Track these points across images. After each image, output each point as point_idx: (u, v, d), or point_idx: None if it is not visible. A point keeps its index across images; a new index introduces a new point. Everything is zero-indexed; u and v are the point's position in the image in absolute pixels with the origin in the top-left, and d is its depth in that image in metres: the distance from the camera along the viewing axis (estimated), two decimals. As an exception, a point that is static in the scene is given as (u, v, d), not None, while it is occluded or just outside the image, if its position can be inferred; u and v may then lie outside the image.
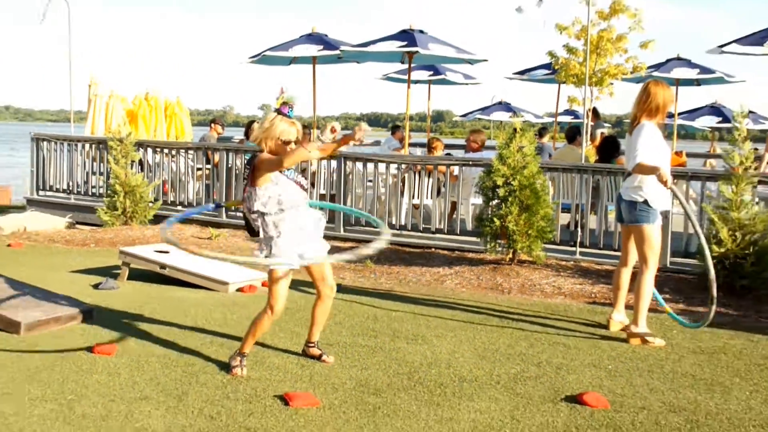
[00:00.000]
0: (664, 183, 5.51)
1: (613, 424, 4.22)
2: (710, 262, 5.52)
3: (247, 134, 12.74)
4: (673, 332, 6.16)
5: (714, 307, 5.52)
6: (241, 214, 5.69)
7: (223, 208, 10.91)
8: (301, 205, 4.79)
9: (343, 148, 11.68)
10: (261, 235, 4.76)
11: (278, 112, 4.75)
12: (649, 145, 5.65)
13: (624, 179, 6.05)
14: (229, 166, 10.97)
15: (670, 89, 5.90)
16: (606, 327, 6.18)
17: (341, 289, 7.44)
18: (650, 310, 5.99)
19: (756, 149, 8.83)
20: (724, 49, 10.55)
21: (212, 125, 13.99)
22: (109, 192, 11.02)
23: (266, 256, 4.74)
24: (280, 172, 4.73)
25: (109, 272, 7.89)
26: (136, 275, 7.69)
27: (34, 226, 10.99)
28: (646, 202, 5.74)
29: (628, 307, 6.17)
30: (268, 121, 4.75)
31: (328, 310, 5.14)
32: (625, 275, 6.13)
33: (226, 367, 4.92)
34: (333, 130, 12.33)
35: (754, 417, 4.40)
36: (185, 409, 4.27)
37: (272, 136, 4.70)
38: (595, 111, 12.93)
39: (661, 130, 5.88)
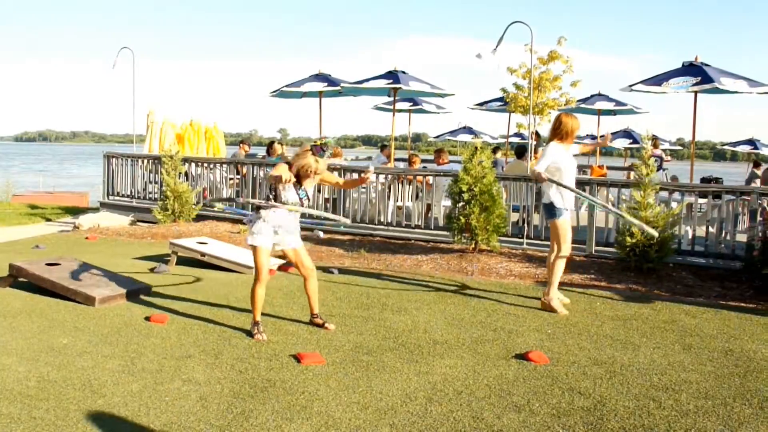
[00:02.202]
0: (541, 180, 5.65)
1: (551, 375, 4.22)
2: (633, 220, 5.79)
3: (268, 151, 12.72)
4: (597, 304, 6.16)
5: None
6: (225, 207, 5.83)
7: (250, 209, 10.84)
8: (292, 210, 4.83)
9: (343, 161, 11.67)
10: (258, 209, 4.83)
11: (314, 146, 4.76)
12: (548, 160, 5.74)
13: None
14: (254, 176, 10.92)
15: (576, 119, 5.95)
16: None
17: (340, 271, 7.43)
18: (578, 287, 6.00)
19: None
20: (633, 87, 10.59)
21: (241, 145, 13.97)
22: (162, 197, 10.95)
23: (249, 233, 4.86)
24: (295, 186, 4.80)
25: (161, 259, 7.83)
26: (182, 261, 7.64)
27: (105, 223, 10.90)
28: (552, 203, 5.79)
29: (562, 283, 6.19)
30: (302, 150, 4.80)
31: (315, 286, 5.13)
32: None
33: (251, 333, 4.90)
34: (335, 153, 12.17)
35: (656, 368, 4.42)
36: (221, 365, 4.24)
37: (300, 162, 4.75)
38: (537, 134, 12.94)
39: (569, 149, 5.92)
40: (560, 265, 5.90)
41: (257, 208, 4.86)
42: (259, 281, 4.84)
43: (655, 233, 5.81)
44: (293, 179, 4.59)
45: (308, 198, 4.93)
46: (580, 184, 8.80)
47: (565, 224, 5.84)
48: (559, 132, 5.86)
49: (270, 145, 12.97)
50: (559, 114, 6.00)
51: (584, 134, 21.45)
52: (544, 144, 6.52)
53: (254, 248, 4.83)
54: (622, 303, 6.24)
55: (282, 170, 4.69)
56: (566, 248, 5.86)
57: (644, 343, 4.99)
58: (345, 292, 6.41)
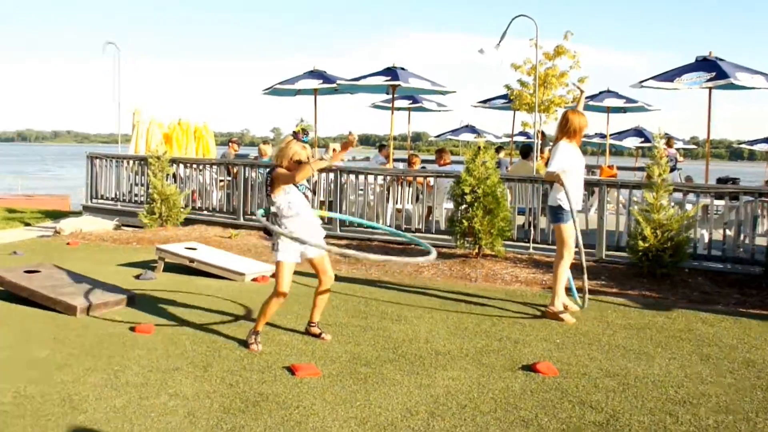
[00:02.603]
0: (560, 183, 5.65)
1: (560, 388, 4.18)
2: (583, 258, 5.83)
3: (260, 150, 12.69)
4: (608, 312, 6.13)
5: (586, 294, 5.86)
6: (254, 217, 5.67)
7: (242, 213, 10.80)
8: (305, 211, 4.77)
9: (339, 163, 11.63)
10: (273, 232, 4.75)
11: (294, 136, 4.71)
12: (561, 160, 5.72)
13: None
14: (246, 177, 10.88)
15: (584, 116, 5.95)
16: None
17: (337, 278, 7.38)
18: (588, 294, 5.97)
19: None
20: (644, 84, 10.58)
21: (230, 144, 13.95)
22: (148, 200, 10.90)
23: (273, 250, 4.75)
24: (295, 185, 4.71)
25: (148, 265, 7.79)
26: (170, 268, 7.60)
27: (88, 228, 10.86)
28: (559, 206, 5.78)
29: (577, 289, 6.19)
30: (284, 143, 4.72)
31: (327, 296, 5.11)
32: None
33: (243, 343, 4.86)
34: (335, 152, 12.17)
35: (672, 379, 4.38)
36: (210, 378, 4.20)
37: (287, 155, 4.68)
38: (542, 132, 12.93)
39: (578, 148, 5.93)
40: (564, 272, 5.87)
41: (273, 222, 4.75)
42: (278, 296, 4.77)
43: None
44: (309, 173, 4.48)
45: (309, 188, 4.90)
46: (589, 185, 8.78)
47: (570, 228, 5.82)
48: (567, 130, 5.84)
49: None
50: (566, 111, 5.99)
51: (593, 132, 21.47)
52: (551, 143, 6.51)
53: (279, 263, 4.74)
54: (635, 310, 6.20)
55: (284, 170, 4.65)
56: (569, 254, 5.84)
57: (659, 353, 4.96)
58: (341, 300, 6.36)
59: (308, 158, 4.71)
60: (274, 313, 4.93)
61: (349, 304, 6.23)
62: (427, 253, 4.72)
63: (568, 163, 5.75)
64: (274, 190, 4.69)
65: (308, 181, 9.49)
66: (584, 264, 5.79)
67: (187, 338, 5.01)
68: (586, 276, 5.84)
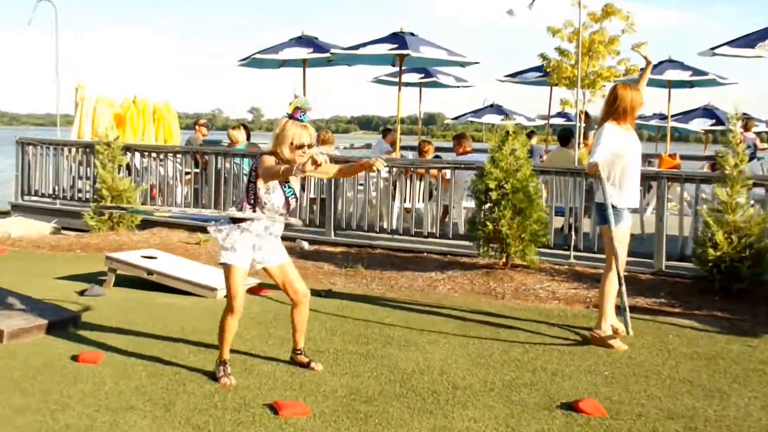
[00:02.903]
0: (598, 177, 5.64)
1: (610, 432, 4.17)
2: (620, 270, 5.77)
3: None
4: (670, 337, 6.11)
5: (627, 313, 5.82)
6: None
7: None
8: (278, 219, 4.81)
9: (335, 152, 11.63)
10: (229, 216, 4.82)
11: (290, 117, 4.71)
12: (605, 148, 5.71)
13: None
14: (218, 169, 10.89)
15: (639, 91, 5.93)
16: None
17: (332, 294, 7.39)
18: (644, 314, 5.96)
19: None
20: (716, 51, 10.56)
21: (197, 127, 13.94)
22: (95, 197, 10.94)
23: (220, 247, 4.79)
24: (281, 183, 4.71)
25: (95, 278, 7.80)
26: (123, 281, 7.61)
27: (18, 232, 10.88)
28: (609, 204, 5.79)
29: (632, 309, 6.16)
30: (279, 127, 4.73)
31: (305, 316, 5.12)
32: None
33: (214, 375, 4.86)
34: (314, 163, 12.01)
35: (753, 424, 4.36)
36: (172, 419, 4.20)
37: (285, 141, 4.67)
38: (586, 113, 12.91)
39: (629, 132, 5.90)
40: (614, 286, 5.86)
41: (243, 202, 4.82)
42: (232, 311, 4.80)
43: None
44: (302, 170, 4.46)
45: (296, 197, 4.90)
46: (645, 179, 8.76)
47: (622, 232, 5.80)
48: (615, 109, 5.83)
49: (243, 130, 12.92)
50: (616, 85, 5.98)
51: (650, 113, 21.44)
52: (596, 127, 6.50)
53: (227, 268, 4.77)
54: (704, 336, 6.19)
55: (271, 161, 4.66)
56: (619, 264, 5.82)
57: (735, 390, 4.94)
58: (337, 322, 6.36)
59: (313, 142, 4.72)
60: (234, 332, 4.91)
61: (345, 327, 6.23)
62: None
63: (616, 150, 5.73)
64: (258, 182, 4.73)
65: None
66: (620, 274, 5.72)
67: (144, 369, 5.01)
68: (624, 288, 5.79)
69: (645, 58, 6.85)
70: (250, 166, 4.89)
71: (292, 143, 4.66)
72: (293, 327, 5.14)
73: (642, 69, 7.05)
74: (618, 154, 5.77)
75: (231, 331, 4.86)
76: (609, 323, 5.89)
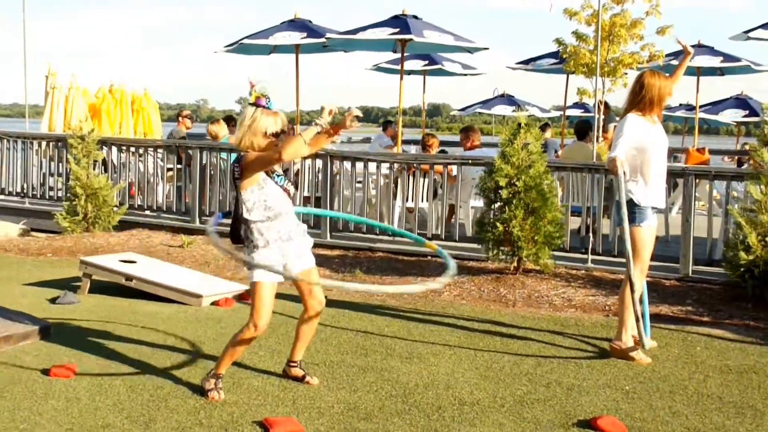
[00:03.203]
0: (615, 173, 5.62)
1: (631, 452, 4.18)
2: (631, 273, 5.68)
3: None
4: (697, 349, 6.13)
5: (641, 324, 5.70)
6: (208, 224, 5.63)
7: (197, 214, 10.84)
8: (287, 212, 4.78)
9: (331, 146, 11.64)
10: (245, 242, 4.78)
11: (252, 105, 4.73)
12: (628, 142, 5.71)
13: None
14: (203, 165, 10.91)
15: (668, 80, 5.92)
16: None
17: (328, 301, 7.39)
18: (669, 323, 5.97)
19: None
20: (750, 35, 10.58)
21: (180, 119, 13.94)
22: (68, 195, 10.93)
23: (246, 265, 4.74)
24: (268, 175, 4.71)
25: (68, 285, 7.81)
26: (99, 288, 7.62)
27: (-16, 234, 10.90)
28: (631, 201, 5.79)
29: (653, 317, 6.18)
30: (248, 118, 4.72)
31: (314, 327, 5.12)
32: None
33: (199, 390, 4.87)
34: (331, 113, 12.04)
35: (788, 443, 4.37)
36: (153, 438, 4.21)
37: (257, 131, 4.67)
38: (606, 104, 12.92)
39: (656, 124, 5.92)
40: (636, 293, 5.86)
41: (245, 230, 4.75)
42: (256, 329, 4.73)
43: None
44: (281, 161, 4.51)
45: (289, 180, 4.90)
46: (671, 175, 8.78)
47: (646, 233, 5.82)
48: (641, 99, 5.84)
49: (227, 122, 12.93)
50: (642, 73, 5.97)
51: (676, 103, 21.47)
52: (617, 119, 6.52)
53: (255, 284, 4.72)
54: (736, 347, 6.20)
55: (258, 154, 4.67)
56: (642, 268, 5.84)
57: None
58: (333, 332, 6.38)
59: (285, 128, 4.73)
60: (243, 351, 4.94)
61: (342, 337, 6.24)
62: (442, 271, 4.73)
63: (640, 144, 5.75)
64: (244, 184, 4.68)
65: (286, 172, 9.54)
66: (633, 280, 5.65)
67: (122, 384, 5.02)
68: (637, 296, 5.69)
69: (684, 47, 6.79)
70: (232, 174, 4.83)
71: (265, 133, 4.69)
72: (297, 336, 5.14)
73: (676, 56, 7.02)
74: (641, 149, 5.77)
75: (243, 348, 4.88)
76: (630, 334, 5.90)
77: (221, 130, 12.00)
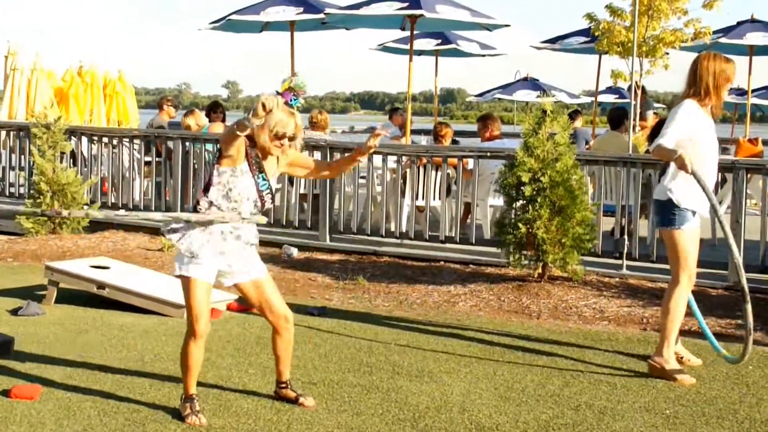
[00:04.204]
0: (685, 169, 5.53)
1: (672, 484, 4.19)
2: (744, 281, 5.55)
3: (209, 117, 12.73)
4: (749, 368, 6.12)
5: (751, 339, 5.60)
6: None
7: (178, 210, 10.85)
8: (244, 216, 4.81)
9: (330, 137, 11.66)
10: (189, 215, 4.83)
11: (278, 93, 4.74)
12: (681, 129, 5.70)
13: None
14: (185, 157, 10.93)
15: (729, 63, 5.88)
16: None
17: (328, 312, 7.41)
18: (720, 338, 5.96)
19: None
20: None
21: (163, 107, 13.94)
22: (32, 192, 10.96)
23: (176, 254, 4.83)
24: (252, 171, 4.73)
25: (31, 293, 7.83)
26: (67, 297, 7.64)
27: (-63, 236, 10.94)
28: (670, 200, 5.80)
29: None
30: (263, 103, 4.71)
31: (289, 344, 5.12)
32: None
33: (178, 413, 4.88)
34: (315, 123, 12.02)
35: None
36: (128, 467, 4.23)
37: (265, 125, 4.66)
38: (643, 89, 12.91)
39: (714, 114, 5.92)
40: (680, 305, 5.88)
41: (194, 203, 4.83)
42: (195, 335, 4.82)
43: None
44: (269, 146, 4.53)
45: (271, 192, 4.91)
46: (719, 169, 8.76)
47: (688, 237, 5.81)
48: (702, 85, 5.81)
49: (212, 108, 12.96)
50: (699, 56, 5.91)
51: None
52: (655, 106, 6.49)
53: (186, 281, 4.80)
54: (789, 365, 6.19)
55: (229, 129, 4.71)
56: (687, 277, 5.84)
57: (827, 431, 4.95)
58: (333, 346, 6.39)
59: (296, 134, 4.74)
60: (200, 361, 4.92)
61: (344, 352, 6.25)
62: None
63: (694, 135, 5.72)
64: (222, 161, 4.74)
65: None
66: (744, 285, 5.55)
67: (93, 406, 5.03)
68: (749, 307, 5.57)
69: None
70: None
71: (272, 130, 4.69)
72: (276, 357, 5.15)
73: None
74: (696, 141, 5.73)
75: (195, 359, 4.87)
76: (673, 350, 5.89)
77: (198, 119, 12.03)
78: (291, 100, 4.72)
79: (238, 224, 4.82)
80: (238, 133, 4.51)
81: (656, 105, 15.59)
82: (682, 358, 6.05)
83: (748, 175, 8.49)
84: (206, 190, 4.80)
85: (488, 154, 9.64)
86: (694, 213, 5.81)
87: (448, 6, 12.47)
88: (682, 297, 5.86)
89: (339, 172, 5.29)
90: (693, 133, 5.73)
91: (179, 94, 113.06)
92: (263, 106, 4.54)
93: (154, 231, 10.67)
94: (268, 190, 4.86)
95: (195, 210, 4.83)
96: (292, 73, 4.81)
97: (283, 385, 5.21)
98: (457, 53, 18.59)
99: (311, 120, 11.82)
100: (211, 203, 4.77)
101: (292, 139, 4.72)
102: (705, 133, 5.80)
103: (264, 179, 4.82)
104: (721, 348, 6.04)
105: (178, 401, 5.02)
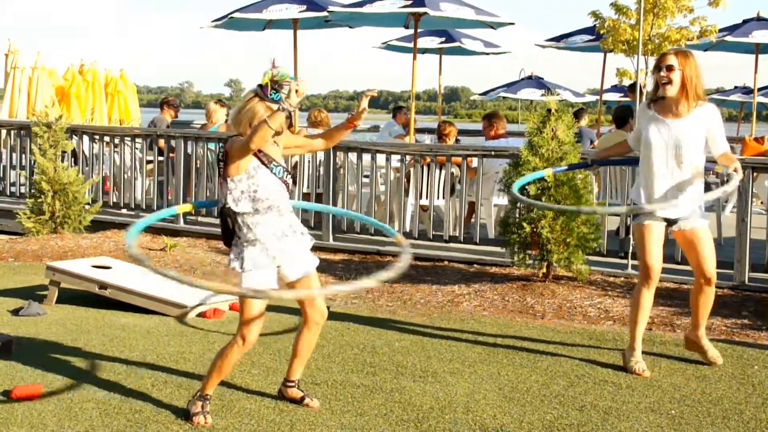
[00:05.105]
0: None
1: (677, 485, 4.19)
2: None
3: (162, 109, 12.77)
4: (755, 368, 6.11)
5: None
6: (203, 219, 5.65)
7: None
8: (282, 206, 4.80)
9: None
10: (233, 239, 4.80)
11: (259, 87, 4.73)
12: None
13: None
14: (187, 156, 10.94)
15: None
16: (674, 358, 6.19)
17: (331, 312, 7.40)
18: (721, 338, 5.96)
19: None
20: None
21: (164, 107, 13.96)
22: (33, 191, 10.97)
23: (234, 268, 4.77)
24: (264, 164, 4.73)
25: (32, 294, 7.84)
26: (68, 297, 7.66)
27: (-63, 236, 10.96)
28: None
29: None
30: (244, 101, 4.74)
31: (314, 342, 5.14)
32: (695, 291, 6.28)
33: (184, 413, 4.89)
34: (316, 121, 12.03)
35: None
36: (131, 468, 4.23)
37: (243, 121, 4.70)
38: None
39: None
40: (636, 300, 6.02)
41: (233, 224, 4.75)
42: (244, 341, 4.80)
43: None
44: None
45: (289, 173, 4.91)
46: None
47: (642, 232, 5.93)
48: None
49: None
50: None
51: (731, 86, 21.41)
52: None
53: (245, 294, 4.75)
54: (796, 365, 6.19)
55: (241, 140, 4.69)
56: (647, 273, 5.96)
57: (834, 431, 4.95)
58: (336, 346, 6.40)
59: (282, 128, 4.71)
60: (232, 367, 4.96)
61: (347, 353, 6.26)
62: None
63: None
64: (228, 171, 4.72)
65: (287, 161, 9.58)
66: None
67: (95, 407, 5.04)
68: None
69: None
70: (218, 159, 4.86)
71: (251, 125, 4.68)
72: (294, 352, 5.15)
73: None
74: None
75: (231, 363, 4.89)
76: (639, 348, 6.02)
77: (220, 114, 11.99)
78: (270, 94, 4.70)
79: (287, 216, 4.85)
80: (271, 126, 4.51)
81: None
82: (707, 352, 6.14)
83: (754, 175, 8.49)
84: (233, 215, 4.72)
85: (492, 153, 9.63)
86: (649, 205, 5.97)
87: (452, 4, 12.46)
88: (640, 291, 5.99)
89: (335, 142, 5.27)
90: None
91: (181, 92, 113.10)
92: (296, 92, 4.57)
93: (156, 231, 10.70)
94: (286, 173, 4.88)
95: (245, 240, 4.74)
96: (272, 65, 4.76)
97: (291, 384, 5.20)
98: (461, 51, 18.59)
99: (311, 119, 11.82)
100: (249, 220, 4.72)
101: (277, 134, 4.69)
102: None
103: (276, 165, 4.82)
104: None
105: (180, 401, 5.02)
